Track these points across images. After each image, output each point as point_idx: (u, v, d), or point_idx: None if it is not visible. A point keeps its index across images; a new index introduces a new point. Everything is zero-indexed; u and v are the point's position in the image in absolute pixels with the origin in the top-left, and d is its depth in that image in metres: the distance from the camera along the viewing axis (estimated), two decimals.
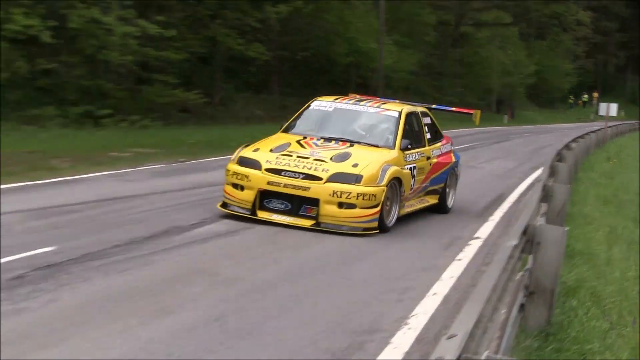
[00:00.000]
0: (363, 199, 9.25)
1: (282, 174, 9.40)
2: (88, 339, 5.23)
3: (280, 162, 9.54)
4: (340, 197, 9.25)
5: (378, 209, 9.35)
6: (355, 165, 9.48)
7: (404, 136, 10.35)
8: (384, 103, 11.24)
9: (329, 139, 10.21)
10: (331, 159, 9.61)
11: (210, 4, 25.57)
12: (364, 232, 9.31)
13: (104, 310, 5.84)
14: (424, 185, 10.87)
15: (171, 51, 22.46)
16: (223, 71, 28.33)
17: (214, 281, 6.87)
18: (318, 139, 10.19)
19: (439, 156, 11.37)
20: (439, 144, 11.61)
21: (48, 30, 18.62)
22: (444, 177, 11.45)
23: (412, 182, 10.28)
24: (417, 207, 10.74)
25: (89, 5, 19.92)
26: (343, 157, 9.66)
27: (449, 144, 12.08)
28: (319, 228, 9.20)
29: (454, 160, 11.93)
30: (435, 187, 11.25)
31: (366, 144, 10.25)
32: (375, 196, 9.29)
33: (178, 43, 22.89)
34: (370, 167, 9.51)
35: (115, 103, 21.14)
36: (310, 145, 10.02)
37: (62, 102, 19.94)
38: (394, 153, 10.09)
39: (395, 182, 9.74)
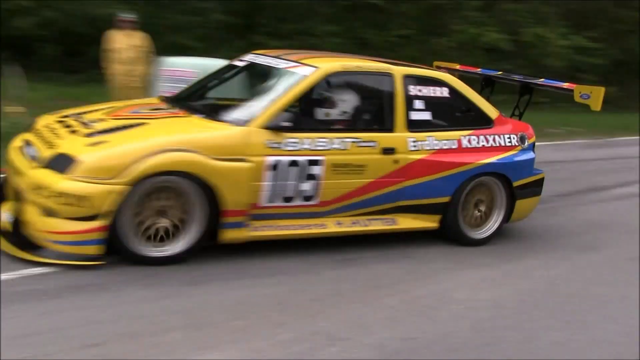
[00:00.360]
0: (65, 203, 4.08)
1: (24, 150, 4.67)
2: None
3: (40, 132, 4.74)
4: (39, 195, 4.18)
5: (95, 224, 4.10)
6: (95, 144, 4.29)
7: (300, 108, 4.93)
8: (330, 57, 5.39)
9: (174, 106, 5.16)
10: (90, 134, 4.43)
11: None
12: (79, 263, 4.12)
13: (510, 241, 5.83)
14: (376, 195, 5.07)
15: (595, 58, 22.04)
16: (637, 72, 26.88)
17: (621, 230, 6.52)
18: (166, 105, 5.23)
19: (439, 152, 5.25)
20: (462, 132, 5.40)
21: (508, 42, 19.85)
22: (451, 188, 5.33)
23: (287, 185, 4.69)
24: (339, 230, 4.97)
25: (539, 26, 20.83)
26: (114, 130, 4.45)
27: (511, 136, 5.65)
28: (20, 250, 4.24)
29: (492, 161, 5.45)
30: (422, 201, 5.25)
31: (204, 116, 4.84)
32: (88, 200, 4.06)
33: (601, 51, 22.37)
34: (116, 148, 4.24)
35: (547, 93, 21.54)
36: (119, 113, 4.90)
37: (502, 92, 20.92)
38: (235, 133, 4.54)
39: (191, 183, 4.34)
